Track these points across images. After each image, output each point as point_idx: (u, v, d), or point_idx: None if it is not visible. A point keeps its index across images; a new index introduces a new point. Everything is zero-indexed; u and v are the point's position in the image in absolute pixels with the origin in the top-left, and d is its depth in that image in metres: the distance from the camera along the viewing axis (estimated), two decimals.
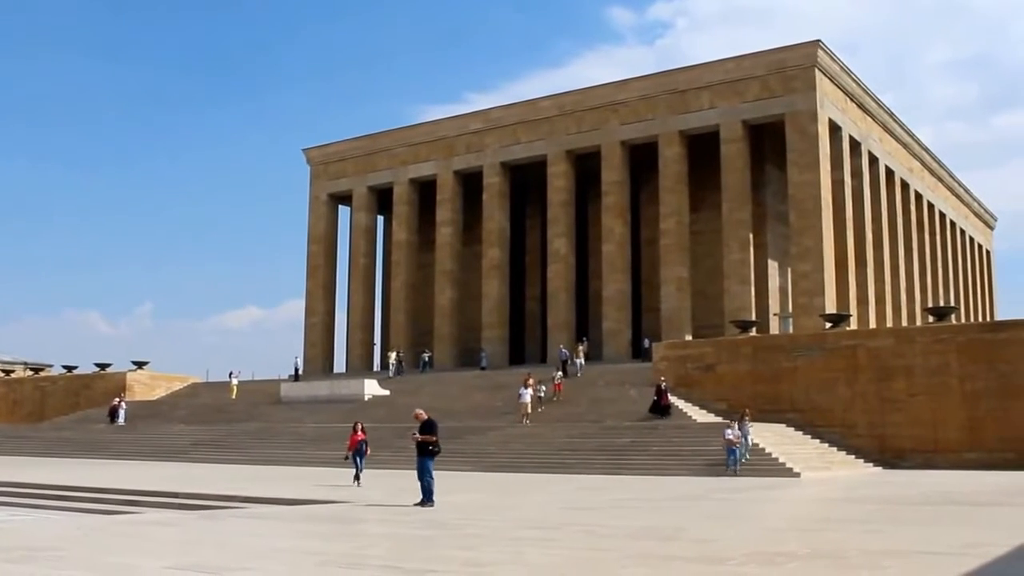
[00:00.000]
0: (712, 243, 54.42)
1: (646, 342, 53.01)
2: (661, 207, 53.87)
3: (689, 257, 53.44)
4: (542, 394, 41.05)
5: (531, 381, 40.24)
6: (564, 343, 52.23)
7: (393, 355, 55.59)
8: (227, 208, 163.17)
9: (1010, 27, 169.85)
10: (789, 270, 53.72)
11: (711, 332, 49.53)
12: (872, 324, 53.31)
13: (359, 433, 26.16)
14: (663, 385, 38.18)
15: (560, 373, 44.56)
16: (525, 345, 63.01)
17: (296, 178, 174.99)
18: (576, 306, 57.69)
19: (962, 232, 79.37)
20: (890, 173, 60.95)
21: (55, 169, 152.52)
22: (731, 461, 29.86)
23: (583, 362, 47.52)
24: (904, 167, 63.81)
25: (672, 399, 38.19)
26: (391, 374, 53.87)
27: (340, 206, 68.69)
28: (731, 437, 29.99)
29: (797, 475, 29.69)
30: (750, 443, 31.25)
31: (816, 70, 50.45)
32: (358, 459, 25.82)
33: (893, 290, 59.55)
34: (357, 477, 25.39)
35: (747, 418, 31.99)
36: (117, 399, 52.97)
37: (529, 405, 39.18)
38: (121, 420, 51.11)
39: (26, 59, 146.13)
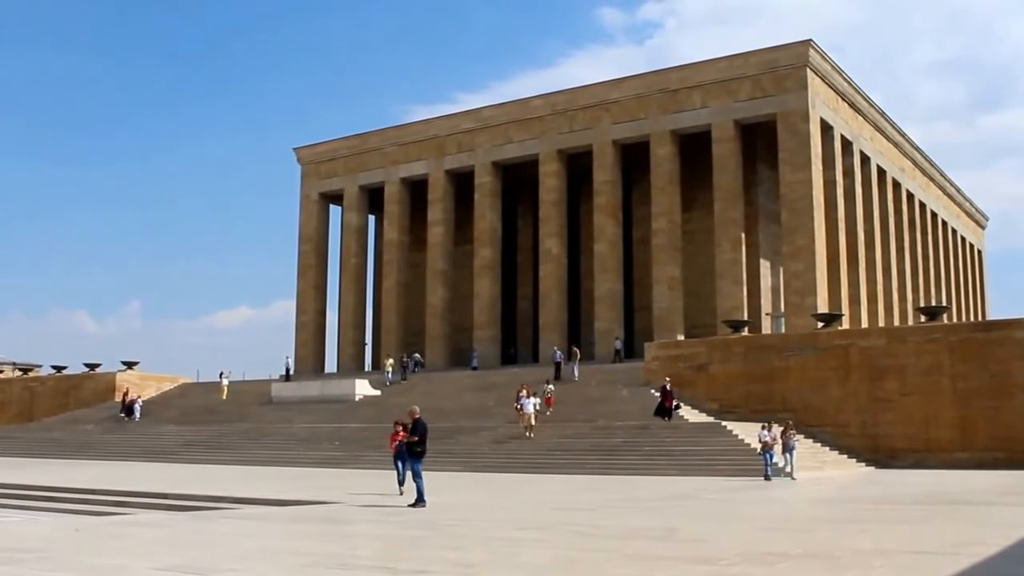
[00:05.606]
0: (704, 242, 54.41)
1: (617, 343, 51.31)
2: (653, 206, 53.82)
3: (681, 256, 53.39)
4: (538, 408, 37.73)
5: (531, 392, 37.55)
6: (556, 344, 51.89)
7: (390, 362, 53.63)
8: (217, 207, 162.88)
9: (996, 27, 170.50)
10: (781, 269, 53.73)
11: (703, 332, 49.51)
12: (864, 323, 53.38)
13: (401, 433, 21.96)
14: (668, 386, 36.79)
15: (551, 387, 40.92)
16: (517, 345, 62.91)
17: (287, 177, 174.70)
18: (568, 306, 57.61)
19: (954, 232, 79.53)
20: (882, 172, 61.06)
21: (41, 166, 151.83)
22: (771, 470, 28.27)
23: (576, 365, 45.97)
24: (895, 166, 63.92)
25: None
26: (387, 382, 51.40)
27: (331, 205, 68.53)
28: (767, 439, 28.54)
29: (789, 474, 29.66)
30: (795, 459, 29.05)
31: (808, 69, 50.48)
32: (399, 463, 22.24)
33: (885, 289, 59.63)
34: (401, 482, 22.09)
35: (792, 431, 29.46)
36: (136, 395, 53.96)
37: (533, 416, 36.41)
38: (138, 416, 51.64)
39: (5, 55, 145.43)
